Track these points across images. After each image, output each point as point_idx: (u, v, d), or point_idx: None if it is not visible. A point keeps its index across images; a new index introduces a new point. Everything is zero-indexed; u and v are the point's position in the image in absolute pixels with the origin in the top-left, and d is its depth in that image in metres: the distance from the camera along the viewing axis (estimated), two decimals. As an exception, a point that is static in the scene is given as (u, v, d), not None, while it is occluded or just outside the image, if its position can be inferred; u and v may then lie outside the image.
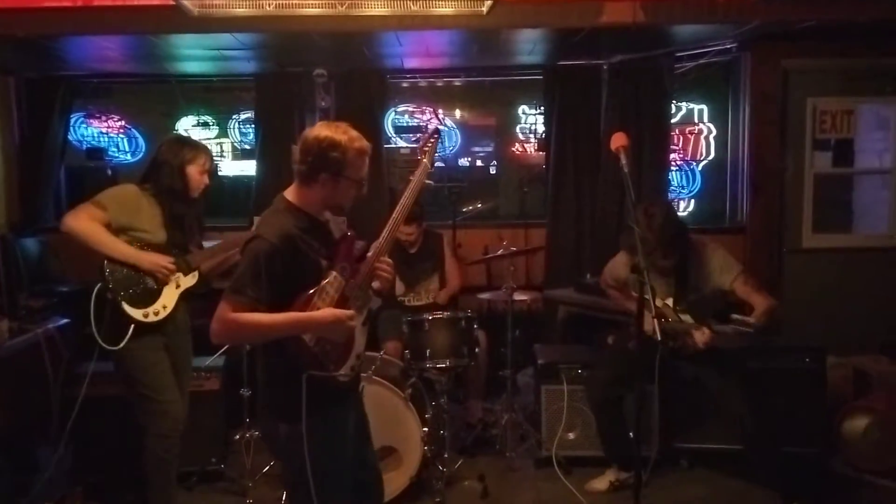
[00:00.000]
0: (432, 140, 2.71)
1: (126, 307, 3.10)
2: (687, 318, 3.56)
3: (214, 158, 3.51)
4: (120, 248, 3.13)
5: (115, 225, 3.16)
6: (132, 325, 3.10)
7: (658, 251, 3.48)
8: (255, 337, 2.39)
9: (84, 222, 3.13)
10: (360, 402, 2.63)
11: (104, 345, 3.11)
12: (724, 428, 3.98)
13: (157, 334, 3.22)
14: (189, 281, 3.28)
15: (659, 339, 2.73)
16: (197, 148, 3.35)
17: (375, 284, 2.50)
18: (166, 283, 3.22)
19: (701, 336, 3.42)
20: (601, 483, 3.89)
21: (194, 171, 3.28)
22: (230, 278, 2.27)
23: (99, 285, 3.11)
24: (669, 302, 3.62)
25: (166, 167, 3.24)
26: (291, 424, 2.29)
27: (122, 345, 3.10)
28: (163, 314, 3.19)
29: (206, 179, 3.36)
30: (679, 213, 3.70)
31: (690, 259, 3.63)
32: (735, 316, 3.32)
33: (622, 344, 4.09)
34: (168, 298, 3.22)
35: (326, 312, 2.26)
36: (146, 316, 3.14)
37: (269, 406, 2.42)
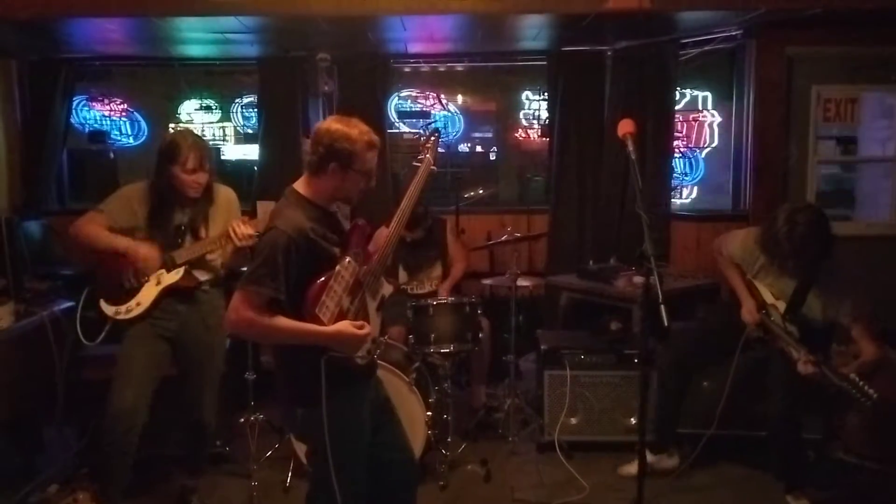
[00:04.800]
0: (433, 139, 2.75)
1: (102, 303, 3.19)
2: (793, 329, 3.45)
3: (207, 150, 3.24)
4: (116, 241, 3.15)
5: (117, 227, 3.19)
6: (109, 321, 3.19)
7: (790, 262, 3.33)
8: (267, 339, 2.45)
9: (83, 227, 3.18)
10: (381, 385, 2.67)
11: (83, 339, 3.28)
12: (735, 413, 3.92)
13: (147, 327, 3.23)
14: (172, 277, 3.21)
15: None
16: (179, 146, 3.15)
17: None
18: (146, 280, 3.21)
19: (804, 365, 3.26)
20: (634, 467, 3.86)
21: (179, 171, 3.14)
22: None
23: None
24: (780, 306, 3.50)
25: (156, 167, 3.23)
26: (309, 408, 2.33)
27: (98, 340, 3.23)
28: (136, 311, 3.18)
29: (198, 178, 3.19)
30: (829, 225, 3.30)
31: (822, 273, 3.38)
32: (854, 377, 3.17)
33: (708, 324, 4.00)
34: (145, 296, 3.20)
35: (340, 329, 2.30)
36: (117, 313, 3.17)
37: (287, 391, 2.46)
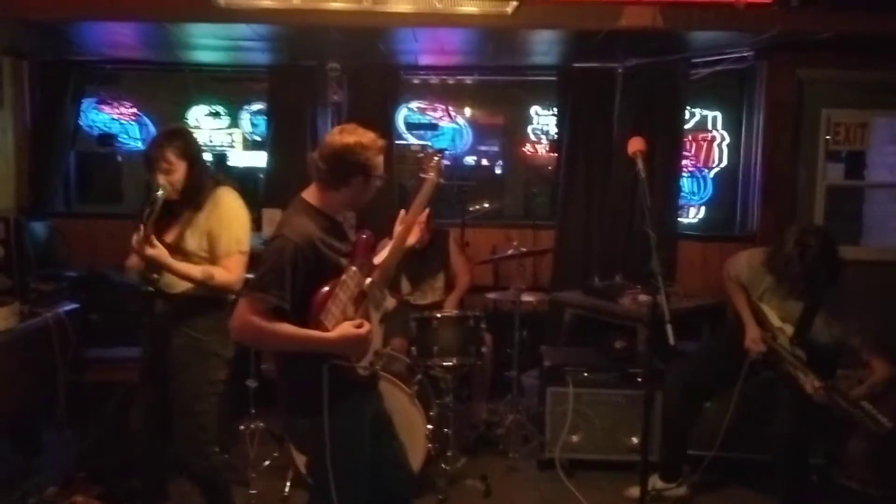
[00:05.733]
0: (436, 158, 2.73)
1: None
2: (801, 353, 3.40)
3: (174, 147, 2.92)
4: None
5: None
6: None
7: (800, 284, 3.30)
8: (273, 345, 2.44)
9: None
10: (382, 399, 2.67)
11: None
12: (741, 436, 3.90)
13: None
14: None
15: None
16: (150, 144, 3.01)
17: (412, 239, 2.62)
18: None
19: (814, 391, 3.23)
20: (637, 490, 3.84)
21: (154, 173, 2.94)
22: None
23: None
24: (788, 329, 3.47)
25: None
26: (310, 418, 2.32)
27: None
28: None
29: (171, 179, 2.91)
30: (838, 248, 3.29)
31: (829, 295, 3.35)
32: (866, 405, 3.14)
33: (714, 350, 3.96)
34: None
35: (344, 333, 2.28)
36: None
37: (288, 400, 2.46)
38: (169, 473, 3.32)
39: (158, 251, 2.84)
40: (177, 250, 2.95)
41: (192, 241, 2.98)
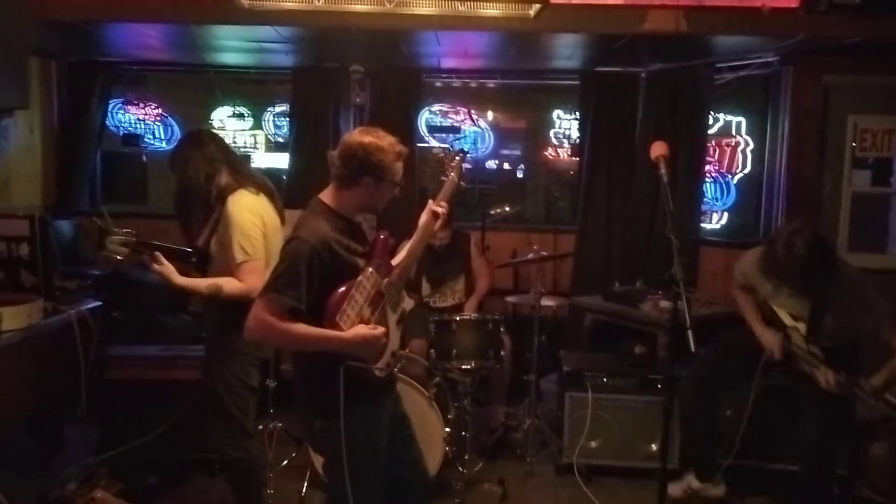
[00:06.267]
0: (458, 158, 2.76)
1: None
2: (817, 351, 3.36)
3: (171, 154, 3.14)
4: None
5: None
6: None
7: (795, 282, 3.32)
8: (287, 345, 2.49)
9: None
10: (399, 401, 2.67)
11: None
12: (762, 444, 3.89)
13: None
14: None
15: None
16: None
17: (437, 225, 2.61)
18: None
19: (825, 377, 3.22)
20: (676, 490, 3.82)
21: None
22: None
23: None
24: (801, 328, 3.43)
25: None
26: (327, 419, 2.33)
27: None
28: None
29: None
30: (828, 244, 3.32)
31: (833, 288, 3.32)
32: (890, 397, 3.13)
33: (728, 345, 3.89)
34: None
35: (358, 333, 2.29)
36: None
37: (305, 402, 2.47)
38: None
39: (163, 268, 2.91)
40: (208, 255, 3.03)
41: (215, 248, 3.02)
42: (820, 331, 3.37)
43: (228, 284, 2.90)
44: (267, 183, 3.16)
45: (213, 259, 3.02)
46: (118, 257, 2.93)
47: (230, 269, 2.92)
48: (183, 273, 2.97)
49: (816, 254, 3.19)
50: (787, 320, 3.50)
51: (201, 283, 2.93)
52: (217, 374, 3.03)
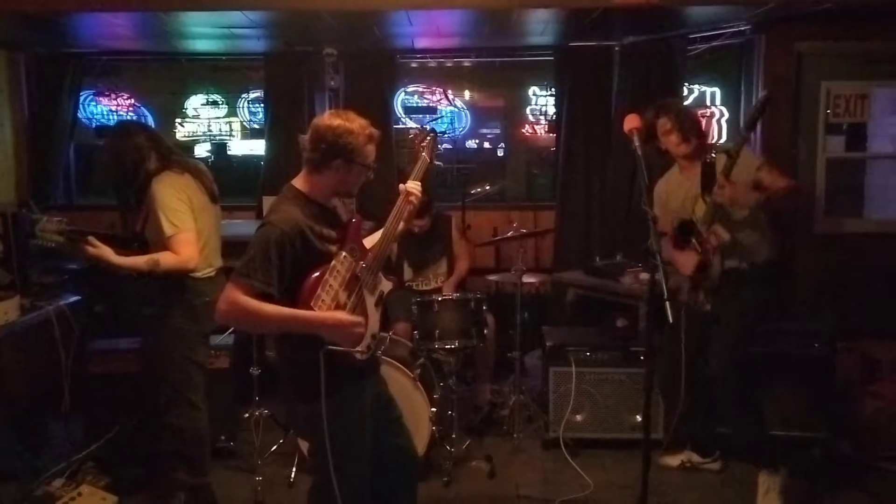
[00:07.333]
0: (428, 139, 2.77)
1: None
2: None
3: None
4: None
5: None
6: None
7: (682, 146, 3.63)
8: (258, 326, 2.50)
9: None
10: (384, 384, 2.67)
11: None
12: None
13: None
14: None
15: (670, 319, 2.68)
16: None
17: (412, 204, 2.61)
18: None
19: (716, 236, 3.40)
20: (674, 459, 3.95)
21: None
22: None
23: None
24: (699, 209, 3.53)
25: None
26: (309, 404, 2.33)
27: None
28: None
29: None
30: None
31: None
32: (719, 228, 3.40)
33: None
34: None
35: (332, 315, 2.30)
36: None
37: (287, 387, 2.47)
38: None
39: (99, 250, 3.05)
40: (145, 239, 3.21)
41: (148, 230, 3.19)
42: (711, 188, 3.40)
43: (165, 257, 3.06)
44: (193, 164, 3.37)
45: (150, 241, 3.19)
46: (52, 244, 3.13)
47: (164, 247, 3.09)
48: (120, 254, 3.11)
49: (688, 115, 3.70)
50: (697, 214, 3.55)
51: (139, 260, 3.09)
52: (161, 351, 3.25)
